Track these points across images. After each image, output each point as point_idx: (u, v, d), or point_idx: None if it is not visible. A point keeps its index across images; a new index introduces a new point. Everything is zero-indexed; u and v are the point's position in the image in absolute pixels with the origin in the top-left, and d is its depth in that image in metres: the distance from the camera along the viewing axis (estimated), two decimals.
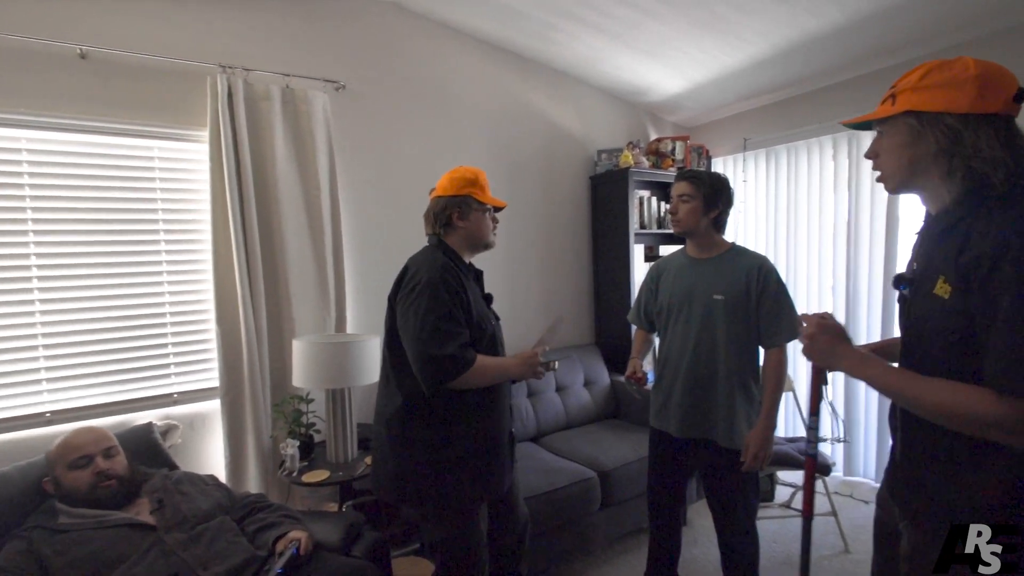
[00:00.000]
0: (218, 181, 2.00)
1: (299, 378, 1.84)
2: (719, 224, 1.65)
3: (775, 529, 2.43)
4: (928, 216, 0.94)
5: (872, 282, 2.69)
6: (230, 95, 2.00)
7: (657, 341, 1.84)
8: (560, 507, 1.99)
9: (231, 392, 2.06)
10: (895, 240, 2.55)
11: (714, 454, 1.61)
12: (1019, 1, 2.01)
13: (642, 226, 3.09)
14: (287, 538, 1.32)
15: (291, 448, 1.81)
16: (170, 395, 2.06)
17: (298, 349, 1.85)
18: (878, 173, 0.96)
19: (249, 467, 2.07)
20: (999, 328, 0.74)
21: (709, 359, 1.60)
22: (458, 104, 2.66)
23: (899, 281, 0.96)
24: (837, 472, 2.83)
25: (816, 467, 1.22)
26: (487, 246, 1.48)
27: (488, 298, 1.51)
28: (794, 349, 1.61)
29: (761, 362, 1.62)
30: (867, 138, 2.57)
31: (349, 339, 1.90)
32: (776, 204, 3.05)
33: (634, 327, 1.93)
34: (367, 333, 2.14)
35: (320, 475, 1.80)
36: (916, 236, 0.97)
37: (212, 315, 2.06)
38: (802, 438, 2.49)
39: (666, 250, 3.21)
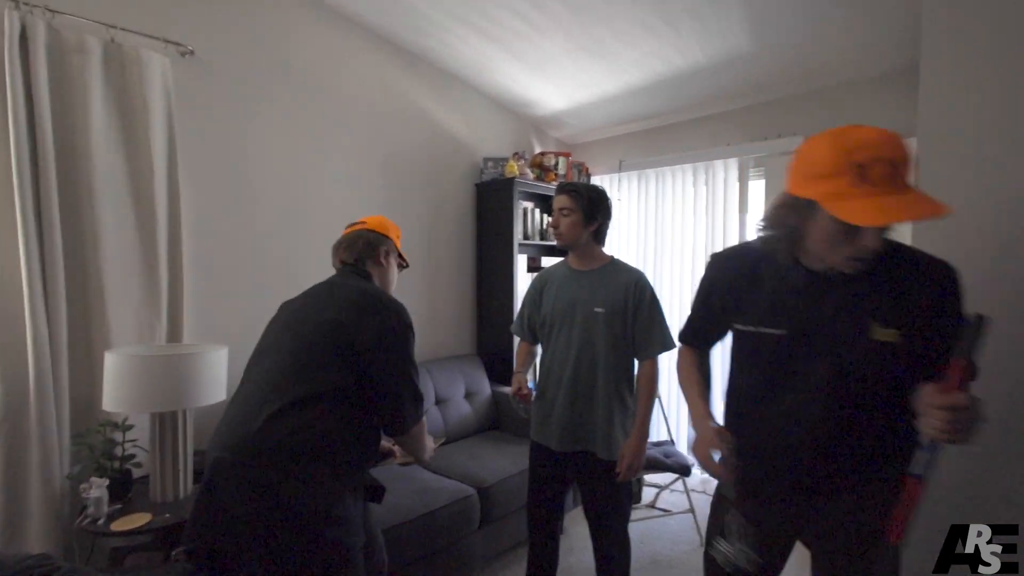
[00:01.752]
0: (1, 146, 1.55)
1: (110, 400, 1.47)
2: (599, 236, 1.68)
3: (642, 529, 2.55)
4: (804, 272, 0.96)
5: None
6: (23, 38, 1.57)
7: (540, 353, 1.82)
8: (437, 530, 1.86)
9: (8, 419, 1.59)
10: None
11: (592, 465, 1.62)
12: (858, 59, 2.38)
13: (525, 237, 3.11)
14: None
15: (96, 489, 1.43)
16: None
17: (112, 364, 1.48)
18: (859, 257, 0.90)
19: (31, 517, 1.60)
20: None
21: (589, 372, 1.61)
22: (331, 92, 2.42)
23: (778, 337, 0.98)
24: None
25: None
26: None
27: None
28: (666, 360, 1.68)
29: (636, 372, 1.67)
30: (719, 167, 2.88)
31: (185, 350, 1.57)
32: (647, 223, 3.28)
33: (517, 339, 1.89)
34: (208, 343, 1.80)
35: (138, 520, 1.45)
36: (774, 292, 1.00)
37: None
38: (666, 442, 2.67)
39: (548, 262, 3.27)
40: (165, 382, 1.48)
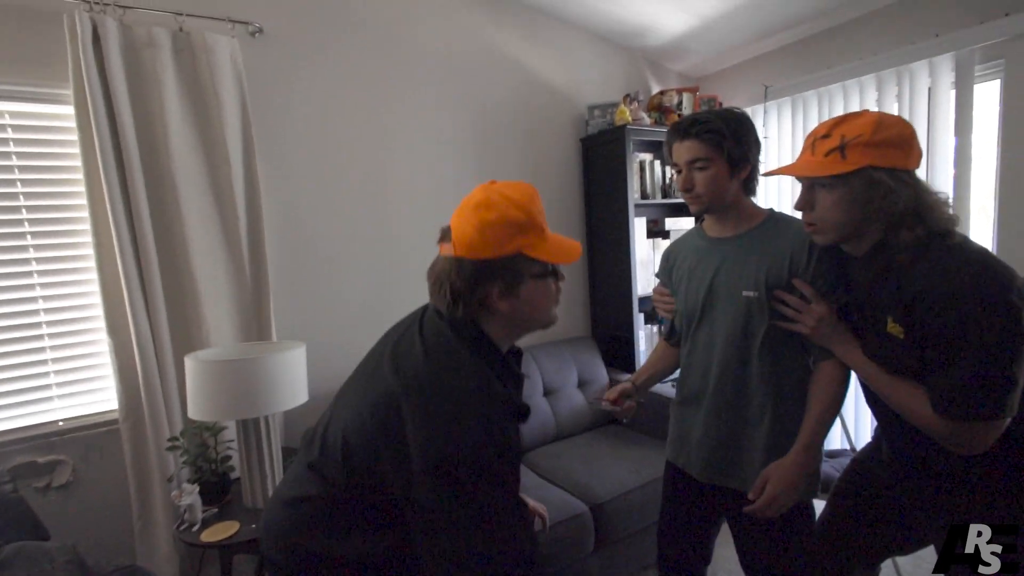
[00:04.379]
0: (90, 153, 1.56)
1: (194, 407, 1.41)
2: (750, 185, 1.16)
3: None
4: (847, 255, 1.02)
5: None
6: (96, 39, 1.54)
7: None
8: (546, 553, 1.58)
9: (131, 417, 1.66)
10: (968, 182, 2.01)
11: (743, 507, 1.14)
12: None
13: (643, 195, 2.60)
14: None
15: (187, 496, 1.40)
16: (54, 422, 1.66)
17: (192, 370, 1.42)
18: (809, 224, 1.00)
19: (158, 524, 1.67)
20: (945, 363, 0.85)
21: (740, 382, 1.14)
22: (410, 47, 2.16)
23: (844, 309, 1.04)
24: None
25: None
26: (545, 325, 0.90)
27: (520, 391, 0.95)
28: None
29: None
30: (922, 71, 2.04)
31: (259, 352, 1.46)
32: None
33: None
34: (293, 340, 1.70)
35: (227, 530, 1.40)
36: (838, 265, 1.05)
37: (102, 323, 1.65)
38: (844, 451, 2.03)
39: (673, 224, 2.73)
40: (241, 388, 1.39)
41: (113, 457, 1.68)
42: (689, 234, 1.31)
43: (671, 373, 1.40)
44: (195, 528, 1.41)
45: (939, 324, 0.84)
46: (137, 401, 1.65)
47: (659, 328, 2.66)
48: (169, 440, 1.53)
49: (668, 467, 1.33)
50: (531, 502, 1.17)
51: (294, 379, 1.48)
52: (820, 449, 1.08)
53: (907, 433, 0.96)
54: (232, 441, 1.62)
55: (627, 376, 1.73)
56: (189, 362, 1.42)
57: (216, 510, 1.50)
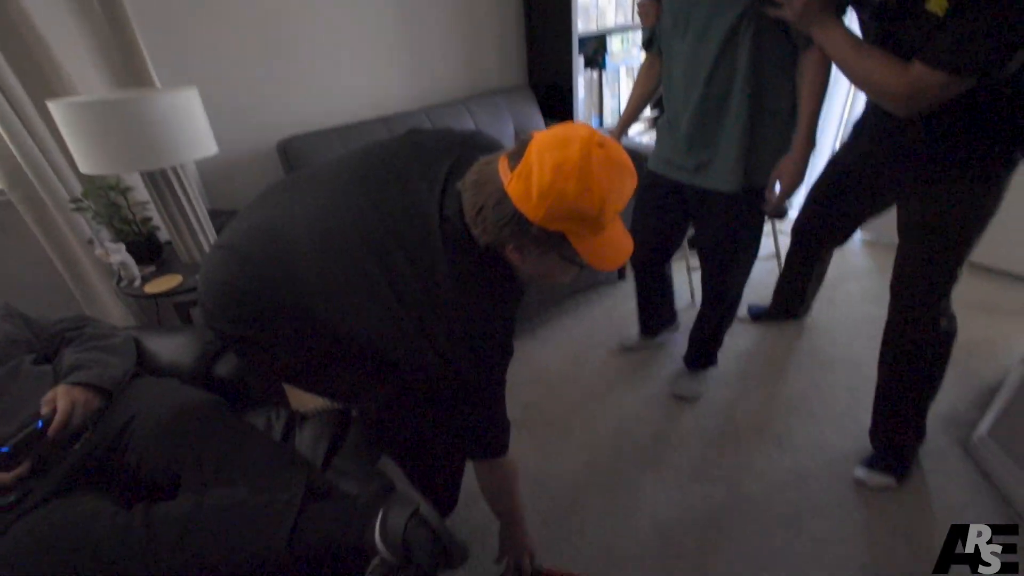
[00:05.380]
0: None
1: (82, 161, 1.25)
2: None
3: None
4: None
5: None
6: None
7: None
8: None
9: (18, 186, 1.48)
10: None
11: (712, 201, 1.35)
12: None
13: None
14: (46, 400, 0.97)
15: (115, 254, 1.36)
16: None
17: (62, 118, 1.21)
18: None
19: (96, 285, 1.64)
20: (968, 14, 0.82)
21: (725, 80, 1.19)
22: None
23: (860, 3, 1.04)
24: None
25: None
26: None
27: None
28: None
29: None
30: None
31: (138, 94, 1.24)
32: None
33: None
34: (172, 87, 1.45)
35: (170, 281, 1.41)
36: None
37: None
38: None
39: None
40: (130, 134, 1.22)
41: (16, 230, 1.56)
42: None
43: (655, 94, 1.52)
44: (135, 284, 1.41)
45: None
46: (15, 165, 1.45)
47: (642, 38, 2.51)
48: (72, 201, 1.41)
49: (648, 175, 1.46)
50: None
51: (193, 126, 1.31)
52: (815, 134, 1.22)
53: (924, 118, 1.03)
54: (148, 203, 1.52)
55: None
56: (55, 108, 1.20)
57: (154, 268, 1.49)
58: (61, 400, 0.94)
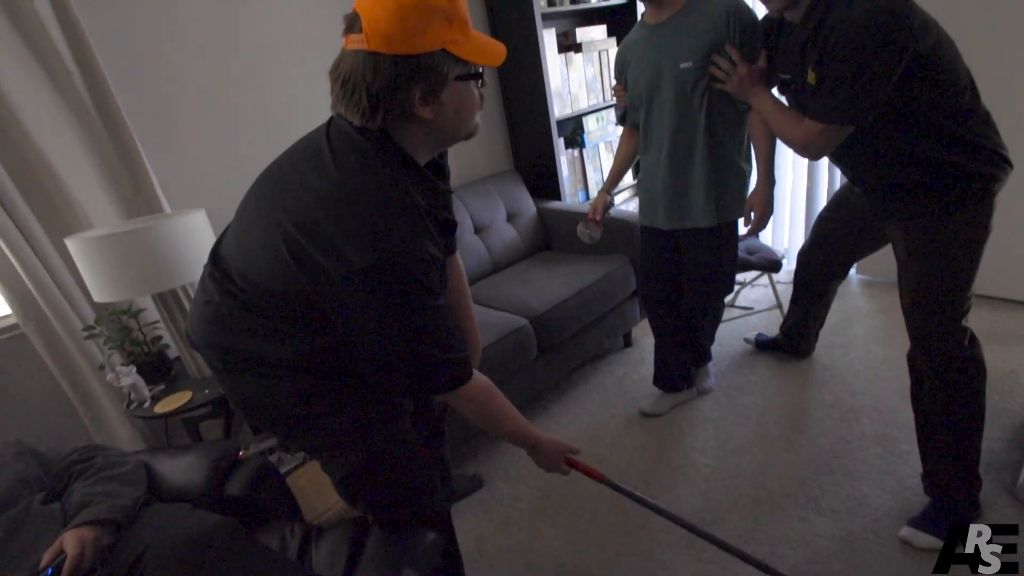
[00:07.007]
0: None
1: (97, 290, 1.31)
2: None
3: (721, 332, 2.30)
4: (783, 24, 1.24)
5: None
6: None
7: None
8: (495, 365, 1.74)
9: (31, 317, 1.52)
10: None
11: (695, 237, 1.60)
12: None
13: (550, 2, 2.36)
14: (51, 550, 0.94)
15: (126, 377, 1.37)
16: None
17: (78, 252, 1.28)
18: None
19: (106, 411, 1.64)
20: (826, 83, 1.08)
21: (687, 137, 1.47)
22: None
23: (783, 84, 1.30)
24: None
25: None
26: (467, 136, 0.85)
27: (448, 206, 0.95)
28: None
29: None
30: None
31: (150, 222, 1.32)
32: None
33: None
34: (180, 210, 1.54)
35: (179, 399, 1.41)
36: (762, 35, 1.34)
37: None
38: None
39: (585, 34, 2.55)
40: (142, 261, 1.28)
41: (29, 361, 1.58)
42: (634, 29, 1.54)
43: (634, 159, 1.74)
44: (145, 404, 1.41)
45: (832, 53, 1.03)
46: (30, 299, 1.50)
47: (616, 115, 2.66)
48: (84, 329, 1.44)
49: (643, 231, 1.73)
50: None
51: (200, 245, 1.38)
52: (773, 172, 1.51)
53: (866, 167, 1.24)
54: (157, 322, 1.55)
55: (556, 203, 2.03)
56: (72, 244, 1.27)
57: (163, 386, 1.49)
58: (70, 544, 0.91)
